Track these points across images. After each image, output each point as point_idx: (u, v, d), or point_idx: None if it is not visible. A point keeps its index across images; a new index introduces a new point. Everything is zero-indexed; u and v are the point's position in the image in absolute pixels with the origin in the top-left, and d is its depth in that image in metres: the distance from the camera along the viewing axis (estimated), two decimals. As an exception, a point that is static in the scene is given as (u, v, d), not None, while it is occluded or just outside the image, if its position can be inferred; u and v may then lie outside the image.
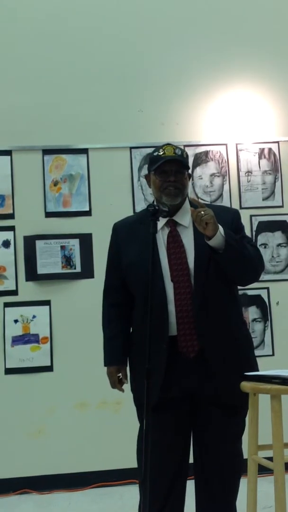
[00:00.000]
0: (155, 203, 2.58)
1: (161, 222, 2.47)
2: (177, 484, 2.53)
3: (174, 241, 2.49)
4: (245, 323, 2.66)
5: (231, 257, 2.41)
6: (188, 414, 2.51)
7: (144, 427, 2.17)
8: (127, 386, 2.65)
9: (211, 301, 2.44)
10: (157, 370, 2.31)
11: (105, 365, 2.65)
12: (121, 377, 2.63)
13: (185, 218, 2.53)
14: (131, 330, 2.64)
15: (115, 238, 2.65)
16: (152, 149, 2.65)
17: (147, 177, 2.61)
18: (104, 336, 2.67)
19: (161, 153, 2.50)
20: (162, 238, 2.51)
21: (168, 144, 2.55)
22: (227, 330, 2.50)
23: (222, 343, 2.46)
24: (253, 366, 2.62)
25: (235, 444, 2.57)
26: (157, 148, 2.56)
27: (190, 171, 2.63)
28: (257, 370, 2.63)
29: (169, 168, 2.48)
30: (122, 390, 2.65)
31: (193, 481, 2.59)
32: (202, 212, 2.34)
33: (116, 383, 2.62)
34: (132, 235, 2.58)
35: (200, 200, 4.19)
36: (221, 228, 2.38)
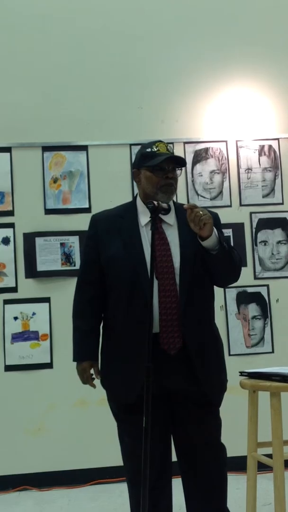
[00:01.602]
0: (138, 197, 2.57)
1: (146, 218, 2.46)
2: (163, 482, 2.49)
3: (160, 238, 2.47)
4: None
5: (222, 258, 2.42)
6: (165, 414, 2.47)
7: (144, 425, 2.15)
8: (98, 382, 2.62)
9: (196, 300, 2.44)
10: (140, 369, 2.23)
11: (75, 360, 2.60)
12: (92, 372, 2.60)
13: (170, 216, 2.52)
14: (102, 325, 2.61)
15: (95, 230, 2.61)
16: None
17: (136, 172, 2.57)
18: (76, 331, 2.62)
19: (155, 150, 2.49)
20: (146, 234, 2.48)
21: (160, 141, 2.55)
22: (209, 328, 2.53)
23: (205, 341, 2.46)
24: (224, 366, 2.60)
25: (219, 438, 2.55)
26: (149, 144, 2.54)
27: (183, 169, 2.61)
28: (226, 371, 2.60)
29: (167, 166, 2.48)
30: (94, 386, 2.63)
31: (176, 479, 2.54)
32: (201, 212, 2.33)
33: (89, 379, 2.60)
34: (113, 228, 2.55)
35: (198, 199, 4.20)
36: (215, 229, 2.39)
